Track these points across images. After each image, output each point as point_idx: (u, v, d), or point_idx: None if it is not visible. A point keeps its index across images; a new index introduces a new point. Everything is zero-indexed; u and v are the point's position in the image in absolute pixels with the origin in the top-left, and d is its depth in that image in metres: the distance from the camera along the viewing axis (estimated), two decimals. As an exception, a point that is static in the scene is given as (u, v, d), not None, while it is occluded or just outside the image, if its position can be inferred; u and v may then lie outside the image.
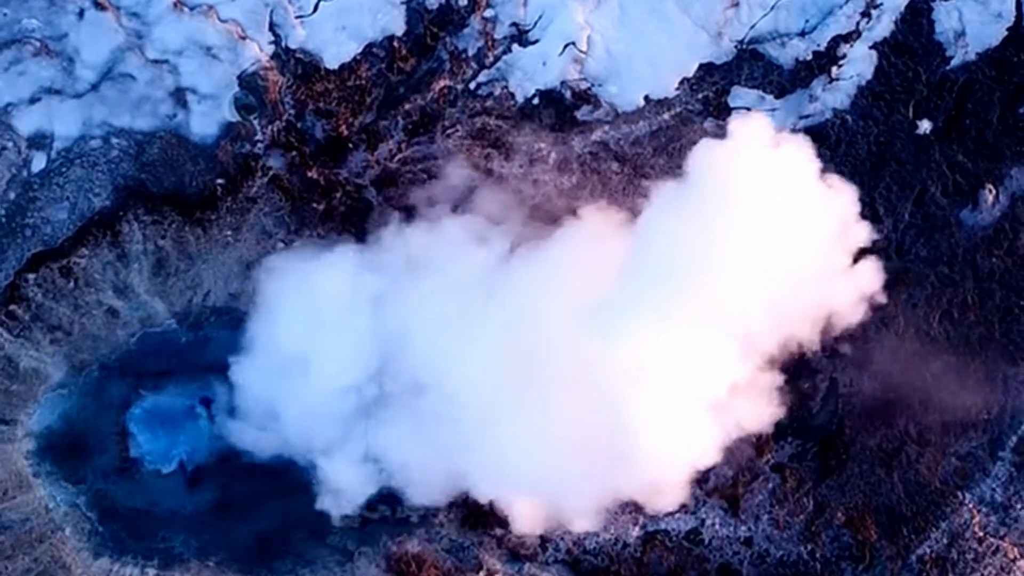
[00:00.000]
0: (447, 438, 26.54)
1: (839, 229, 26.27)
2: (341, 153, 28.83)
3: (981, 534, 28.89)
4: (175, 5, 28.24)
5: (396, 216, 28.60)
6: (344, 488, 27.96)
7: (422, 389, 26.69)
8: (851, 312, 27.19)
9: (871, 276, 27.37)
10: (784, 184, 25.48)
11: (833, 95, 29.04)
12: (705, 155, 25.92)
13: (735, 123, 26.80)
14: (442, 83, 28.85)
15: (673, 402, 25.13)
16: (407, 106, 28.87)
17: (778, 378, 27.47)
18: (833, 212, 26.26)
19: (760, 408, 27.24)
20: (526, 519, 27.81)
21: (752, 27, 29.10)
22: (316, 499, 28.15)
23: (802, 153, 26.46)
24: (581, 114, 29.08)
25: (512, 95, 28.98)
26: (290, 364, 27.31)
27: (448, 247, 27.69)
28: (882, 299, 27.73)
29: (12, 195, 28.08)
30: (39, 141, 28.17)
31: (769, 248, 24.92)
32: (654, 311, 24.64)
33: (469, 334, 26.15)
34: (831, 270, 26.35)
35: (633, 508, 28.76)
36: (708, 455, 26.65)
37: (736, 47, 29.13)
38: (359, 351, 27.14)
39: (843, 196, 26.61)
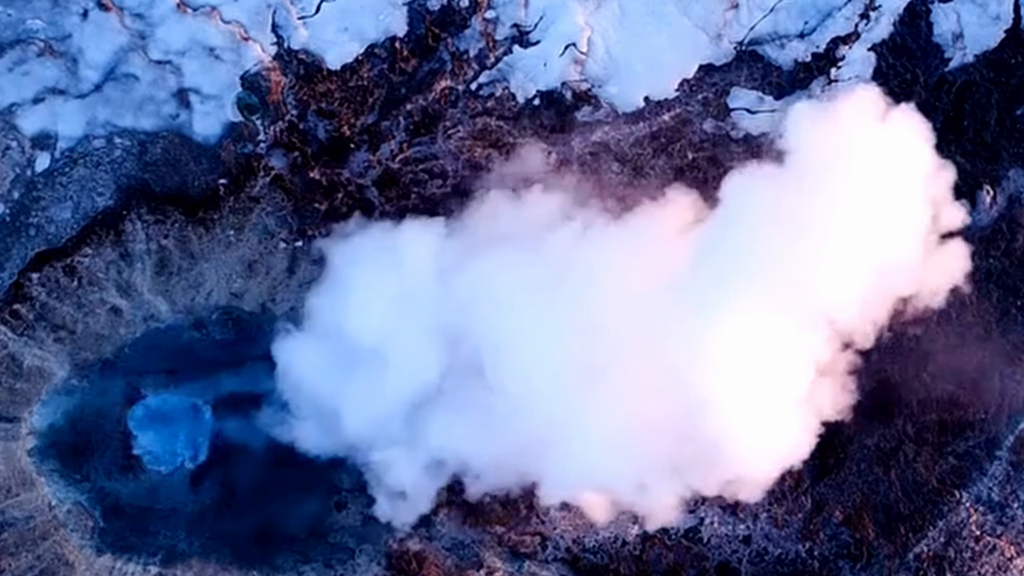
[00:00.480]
0: (520, 435, 25.43)
1: (935, 209, 25.47)
2: (343, 153, 28.98)
3: (978, 533, 29.03)
4: (178, 6, 28.38)
5: (481, 192, 28.08)
6: (408, 493, 27.21)
7: (495, 383, 25.37)
8: (931, 297, 26.51)
9: (958, 260, 26.58)
10: (891, 160, 24.33)
11: (832, 96, 28.90)
12: (806, 123, 24.85)
13: (843, 97, 25.79)
14: (444, 84, 28.99)
15: (761, 396, 24.06)
16: (409, 106, 29.01)
17: (858, 360, 26.68)
18: (932, 191, 25.41)
19: (840, 394, 26.49)
20: (600, 512, 27.13)
21: (751, 29, 29.24)
22: (374, 506, 27.45)
23: (913, 127, 25.53)
24: (581, 115, 29.22)
25: (513, 96, 29.12)
26: (353, 352, 25.95)
27: (528, 224, 26.57)
28: (966, 288, 27.14)
29: (16, 194, 28.20)
30: (43, 141, 28.30)
31: (867, 228, 23.78)
32: (739, 295, 23.56)
33: (546, 324, 24.96)
34: (922, 252, 25.42)
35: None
36: (800, 449, 25.76)
37: (735, 48, 29.28)
38: (433, 343, 25.72)
39: (943, 174, 25.83)
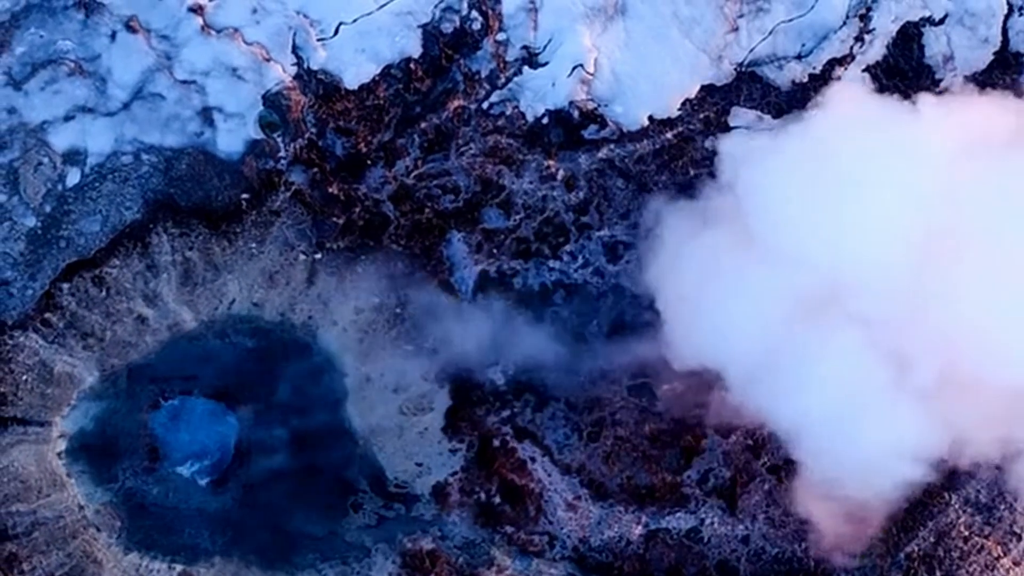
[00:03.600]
0: None
1: None
2: (360, 169, 29.73)
3: (966, 533, 29.53)
4: (203, 28, 29.14)
5: None
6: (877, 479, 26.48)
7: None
8: None
9: None
10: None
11: (828, 115, 29.87)
12: None
13: None
14: (456, 103, 29.77)
15: None
16: (423, 125, 29.76)
17: None
18: None
19: None
20: None
21: (751, 51, 30.01)
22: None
23: None
24: (588, 133, 29.97)
25: (523, 114, 29.85)
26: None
27: None
28: None
29: (48, 208, 28.95)
30: (73, 157, 29.04)
31: None
32: None
33: None
34: None
35: (636, 507, 29.69)
36: None
37: (735, 69, 30.03)
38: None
39: None
